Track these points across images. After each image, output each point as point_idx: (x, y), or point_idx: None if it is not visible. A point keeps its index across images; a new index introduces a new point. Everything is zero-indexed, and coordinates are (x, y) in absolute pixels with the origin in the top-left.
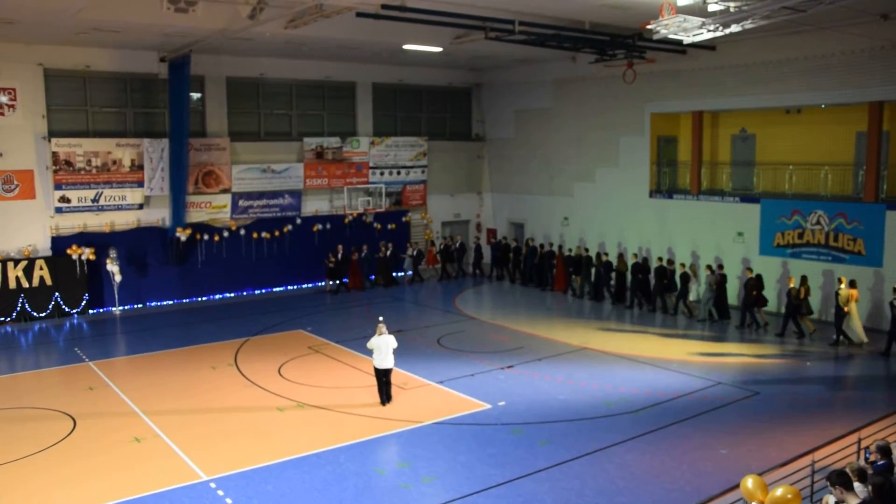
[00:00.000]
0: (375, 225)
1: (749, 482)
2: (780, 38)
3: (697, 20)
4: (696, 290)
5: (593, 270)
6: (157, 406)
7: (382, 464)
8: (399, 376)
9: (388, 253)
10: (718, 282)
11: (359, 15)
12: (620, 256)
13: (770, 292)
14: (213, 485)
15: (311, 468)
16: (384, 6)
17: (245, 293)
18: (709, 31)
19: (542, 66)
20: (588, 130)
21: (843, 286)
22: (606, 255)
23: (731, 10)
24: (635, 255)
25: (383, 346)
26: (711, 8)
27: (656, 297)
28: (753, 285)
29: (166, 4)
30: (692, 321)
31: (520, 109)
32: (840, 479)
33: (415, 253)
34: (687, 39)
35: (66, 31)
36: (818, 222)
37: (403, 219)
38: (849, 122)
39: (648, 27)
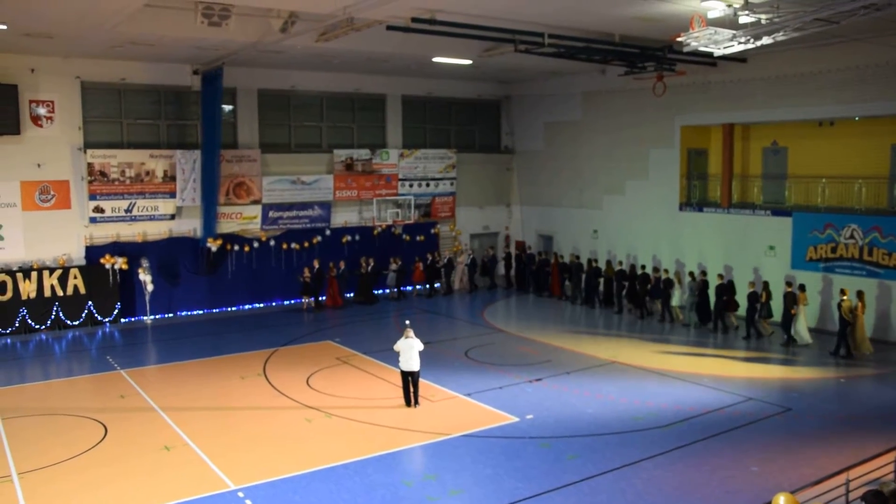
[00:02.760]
0: (404, 237)
1: (781, 500)
2: (813, 49)
3: (728, 32)
4: (679, 296)
5: (584, 276)
6: (186, 415)
7: (410, 475)
8: (427, 388)
9: (370, 269)
10: (700, 288)
11: (389, 28)
12: (609, 264)
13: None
14: (240, 494)
15: (339, 479)
16: (414, 20)
17: (274, 303)
18: (740, 43)
19: (572, 78)
20: (617, 143)
21: (789, 290)
22: (595, 262)
23: (763, 22)
24: (620, 263)
25: (408, 348)
26: (742, 20)
27: (642, 302)
28: (724, 291)
29: (200, 18)
30: (678, 326)
31: (549, 122)
32: (876, 500)
33: (398, 268)
34: (717, 52)
35: (103, 45)
36: (852, 236)
37: (432, 230)
38: (883, 134)
39: (679, 40)
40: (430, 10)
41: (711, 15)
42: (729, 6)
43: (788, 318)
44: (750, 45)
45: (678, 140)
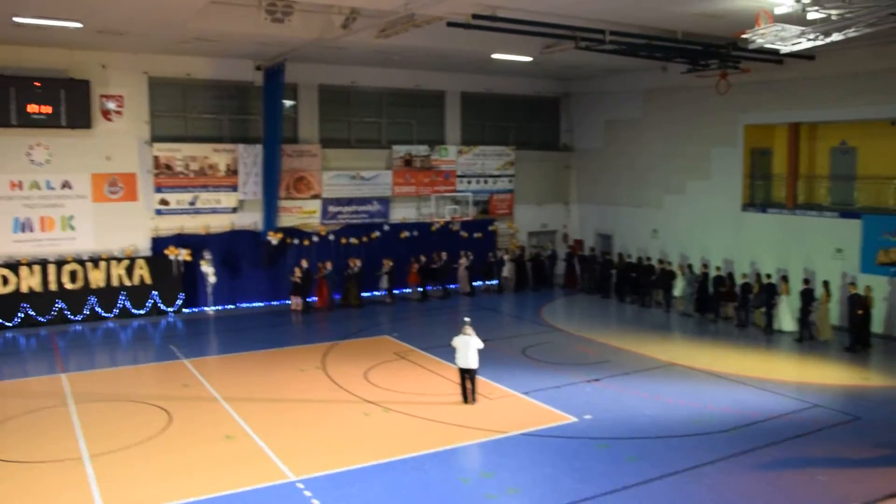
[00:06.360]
0: (462, 233)
1: None
2: (885, 46)
3: (796, 29)
4: (681, 288)
5: (597, 269)
6: (247, 405)
7: (467, 472)
8: (485, 386)
9: (357, 269)
10: (700, 280)
11: (449, 25)
12: (620, 256)
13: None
14: (300, 485)
15: (397, 473)
16: (475, 16)
17: (334, 297)
18: (808, 40)
19: (633, 76)
20: (679, 142)
21: (769, 281)
22: (608, 254)
23: (833, 17)
24: (629, 256)
25: (465, 346)
26: (811, 16)
27: (644, 293)
28: (721, 282)
29: (263, 14)
30: (685, 317)
31: (609, 120)
32: None
33: (390, 270)
34: (784, 49)
35: (171, 41)
36: None
37: (490, 227)
38: None
39: (744, 36)
40: (490, 7)
41: (778, 11)
42: (797, 1)
43: (770, 308)
44: (819, 42)
45: (741, 139)
